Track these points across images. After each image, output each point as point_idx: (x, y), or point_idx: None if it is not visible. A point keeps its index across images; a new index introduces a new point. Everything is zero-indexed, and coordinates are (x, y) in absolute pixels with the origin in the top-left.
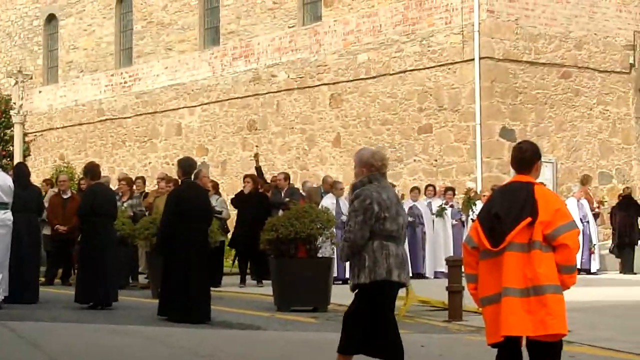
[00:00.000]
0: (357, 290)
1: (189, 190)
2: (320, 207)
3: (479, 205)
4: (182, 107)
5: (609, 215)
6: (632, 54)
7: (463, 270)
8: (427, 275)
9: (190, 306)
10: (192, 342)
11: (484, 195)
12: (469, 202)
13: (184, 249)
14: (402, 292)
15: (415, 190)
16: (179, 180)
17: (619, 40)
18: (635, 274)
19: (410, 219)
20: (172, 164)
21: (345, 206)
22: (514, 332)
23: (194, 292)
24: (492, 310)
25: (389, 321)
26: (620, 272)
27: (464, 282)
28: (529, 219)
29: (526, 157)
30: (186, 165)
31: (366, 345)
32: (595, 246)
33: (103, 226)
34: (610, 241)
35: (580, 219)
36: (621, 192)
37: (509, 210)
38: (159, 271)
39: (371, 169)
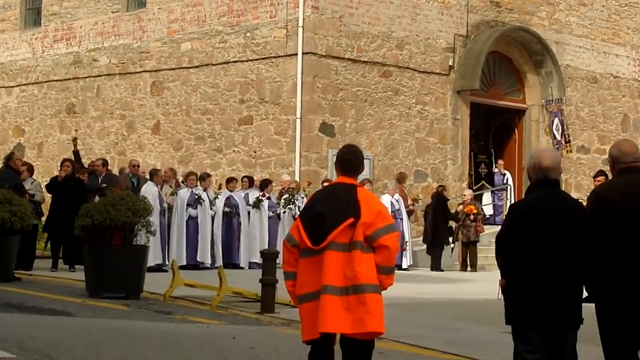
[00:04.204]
0: None
1: None
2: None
3: (299, 201)
4: None
5: (422, 212)
6: (452, 56)
7: (282, 268)
8: (241, 265)
9: None
10: (0, 327)
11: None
12: (289, 197)
13: None
14: (215, 282)
15: (232, 181)
16: None
17: (439, 43)
18: (442, 271)
19: (226, 209)
20: None
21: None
22: (332, 329)
23: None
24: (310, 308)
25: None
26: (431, 269)
27: (278, 275)
28: (351, 220)
29: (352, 160)
30: None
31: None
32: (407, 243)
33: None
34: (422, 238)
35: (394, 215)
36: (435, 190)
37: (332, 210)
38: None
39: None
